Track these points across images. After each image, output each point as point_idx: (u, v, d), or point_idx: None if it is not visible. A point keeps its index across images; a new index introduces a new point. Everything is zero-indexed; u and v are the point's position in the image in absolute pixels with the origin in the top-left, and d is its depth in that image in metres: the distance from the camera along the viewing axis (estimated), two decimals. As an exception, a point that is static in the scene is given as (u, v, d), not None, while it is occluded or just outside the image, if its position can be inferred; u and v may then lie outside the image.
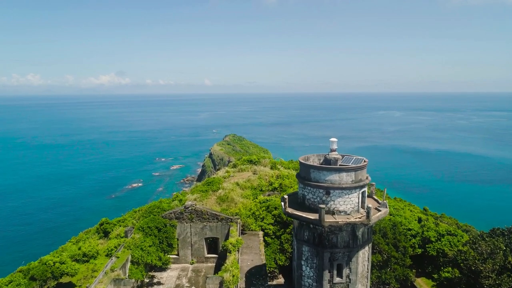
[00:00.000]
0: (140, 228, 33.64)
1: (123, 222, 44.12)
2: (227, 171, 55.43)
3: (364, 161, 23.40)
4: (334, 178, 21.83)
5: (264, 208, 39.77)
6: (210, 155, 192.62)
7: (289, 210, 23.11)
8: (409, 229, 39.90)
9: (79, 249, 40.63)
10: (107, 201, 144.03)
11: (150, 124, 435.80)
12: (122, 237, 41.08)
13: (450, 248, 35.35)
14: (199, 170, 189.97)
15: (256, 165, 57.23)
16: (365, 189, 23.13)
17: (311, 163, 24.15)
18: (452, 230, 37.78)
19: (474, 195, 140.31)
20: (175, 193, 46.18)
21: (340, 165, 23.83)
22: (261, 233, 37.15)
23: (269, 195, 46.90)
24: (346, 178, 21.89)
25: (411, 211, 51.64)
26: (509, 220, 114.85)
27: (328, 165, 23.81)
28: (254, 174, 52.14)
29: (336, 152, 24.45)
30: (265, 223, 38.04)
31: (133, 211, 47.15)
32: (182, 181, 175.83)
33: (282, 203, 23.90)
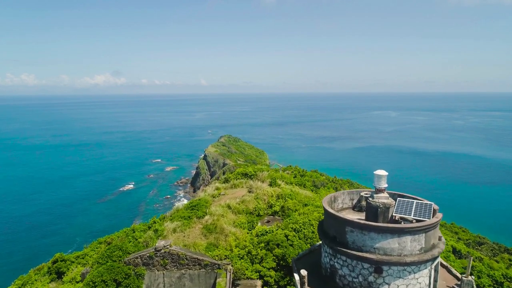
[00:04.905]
0: (91, 284, 24.04)
1: (82, 258, 34.49)
2: (217, 188, 45.85)
3: (434, 210, 14.05)
4: (391, 245, 12.44)
5: (263, 244, 30.35)
6: (205, 157, 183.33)
7: (310, 295, 13.69)
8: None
9: (21, 298, 31.16)
10: (97, 206, 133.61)
11: (145, 124, 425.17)
12: (78, 282, 31.60)
13: (514, 304, 26.23)
14: (194, 172, 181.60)
15: (252, 179, 47.73)
16: (439, 259, 13.77)
17: (344, 214, 14.77)
18: (510, 274, 28.60)
19: (474, 196, 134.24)
20: (151, 218, 36.75)
21: (394, 216, 14.39)
22: (259, 283, 27.69)
23: (268, 221, 37.53)
24: (411, 246, 12.52)
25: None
26: (510, 221, 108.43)
27: (374, 216, 14.36)
28: (249, 192, 42.68)
29: (386, 194, 14.90)
30: (264, 267, 28.62)
31: (98, 241, 37.58)
32: (176, 183, 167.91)
33: (297, 279, 14.44)
